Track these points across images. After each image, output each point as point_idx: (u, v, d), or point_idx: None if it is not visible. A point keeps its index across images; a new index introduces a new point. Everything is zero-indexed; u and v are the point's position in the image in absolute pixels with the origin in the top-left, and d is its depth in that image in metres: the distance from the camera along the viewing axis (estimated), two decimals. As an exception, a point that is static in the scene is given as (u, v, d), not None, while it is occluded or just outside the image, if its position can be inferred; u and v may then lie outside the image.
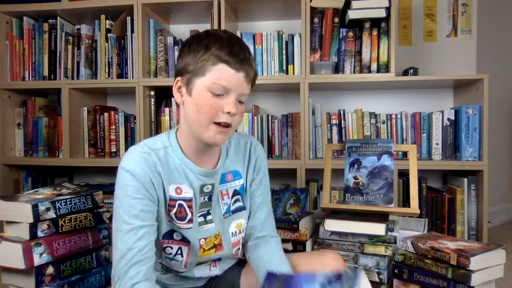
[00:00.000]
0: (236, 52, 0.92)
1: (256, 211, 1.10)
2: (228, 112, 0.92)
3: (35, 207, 1.08)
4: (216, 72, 0.91)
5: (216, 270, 1.08)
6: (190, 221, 0.99)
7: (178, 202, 0.98)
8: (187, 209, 0.99)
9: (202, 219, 1.02)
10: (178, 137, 1.01)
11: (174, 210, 0.98)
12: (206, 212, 1.02)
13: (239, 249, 1.09)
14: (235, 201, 1.07)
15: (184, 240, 1.00)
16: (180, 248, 1.00)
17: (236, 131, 1.03)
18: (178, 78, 0.96)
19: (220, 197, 1.05)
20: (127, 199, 0.90)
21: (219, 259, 1.08)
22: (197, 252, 1.01)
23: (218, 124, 0.92)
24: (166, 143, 0.99)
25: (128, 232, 0.88)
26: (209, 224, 1.02)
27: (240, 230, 1.08)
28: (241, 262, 1.15)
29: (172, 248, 1.00)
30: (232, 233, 1.07)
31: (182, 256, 1.01)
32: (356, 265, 1.36)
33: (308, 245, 1.46)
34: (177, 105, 1.03)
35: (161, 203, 0.96)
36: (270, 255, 1.04)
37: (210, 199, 1.03)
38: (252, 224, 1.10)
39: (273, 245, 1.08)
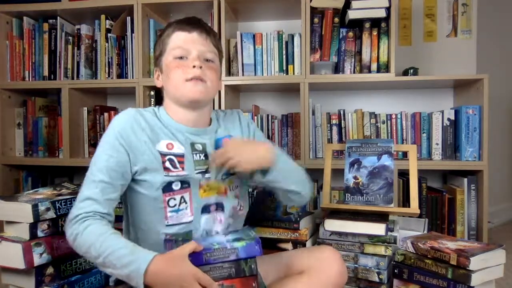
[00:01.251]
0: (187, 20, 1.07)
1: None
2: (194, 66, 1.01)
3: (35, 207, 1.08)
4: (173, 41, 1.05)
5: (220, 226, 1.07)
6: (183, 169, 1.02)
7: (167, 157, 1.01)
8: (177, 164, 1.02)
9: (200, 176, 1.04)
10: (165, 107, 1.10)
11: (167, 160, 1.01)
12: (205, 170, 1.05)
13: (239, 204, 1.11)
14: None
15: (184, 187, 1.02)
16: (182, 197, 1.02)
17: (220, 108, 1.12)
18: (155, 68, 1.11)
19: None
20: (99, 151, 0.99)
21: (222, 210, 1.07)
22: (198, 193, 1.03)
23: (190, 80, 1.01)
24: (155, 109, 1.09)
25: (92, 182, 0.96)
26: (206, 180, 1.06)
27: (241, 183, 1.13)
28: None
29: (175, 199, 1.01)
30: (235, 186, 1.11)
31: (186, 202, 1.02)
32: (356, 265, 1.36)
33: (308, 245, 1.46)
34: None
35: (152, 158, 0.99)
36: None
37: (206, 158, 1.06)
38: None
39: None
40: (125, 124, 1.00)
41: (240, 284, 0.89)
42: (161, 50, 1.07)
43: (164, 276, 0.85)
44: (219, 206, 1.07)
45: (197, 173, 1.04)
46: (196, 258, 0.87)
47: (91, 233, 0.91)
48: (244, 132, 1.19)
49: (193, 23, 1.06)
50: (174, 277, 0.85)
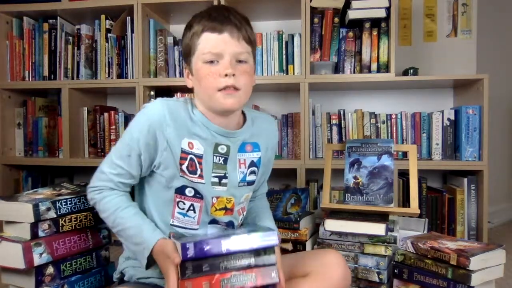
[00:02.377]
0: (214, 16, 0.96)
1: (260, 188, 1.20)
2: (226, 75, 0.94)
3: (35, 207, 1.08)
4: (202, 43, 0.96)
5: None
6: (201, 176, 1.00)
7: (189, 156, 0.99)
8: (197, 165, 1.00)
9: (216, 180, 1.02)
10: (196, 103, 1.04)
11: (186, 163, 0.99)
12: (222, 175, 1.03)
13: (241, 219, 1.11)
14: (251, 172, 1.08)
15: (197, 197, 1.01)
16: (192, 205, 1.01)
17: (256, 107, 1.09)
18: (185, 64, 1.04)
19: (237, 165, 1.05)
20: (124, 140, 1.00)
21: (232, 227, 1.07)
22: (209, 209, 1.02)
23: (223, 89, 0.95)
24: (187, 101, 1.05)
25: (112, 162, 0.99)
26: (222, 186, 1.03)
27: (246, 201, 1.12)
28: None
29: (184, 203, 1.01)
30: (240, 202, 1.09)
31: (194, 212, 1.01)
32: (356, 265, 1.36)
33: (308, 245, 1.46)
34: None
35: (172, 155, 0.98)
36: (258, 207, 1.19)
37: (225, 162, 1.03)
38: (254, 195, 1.19)
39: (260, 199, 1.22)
40: (153, 120, 0.96)
41: (259, 273, 0.89)
42: (190, 49, 0.98)
43: (160, 259, 0.91)
44: (229, 225, 1.07)
45: (214, 176, 1.01)
46: (215, 246, 0.86)
47: (106, 205, 0.98)
48: (269, 144, 1.13)
49: (222, 21, 0.95)
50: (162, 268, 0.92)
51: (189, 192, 1.00)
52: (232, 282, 0.86)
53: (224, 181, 1.03)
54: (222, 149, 1.02)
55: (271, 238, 0.91)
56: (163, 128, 0.96)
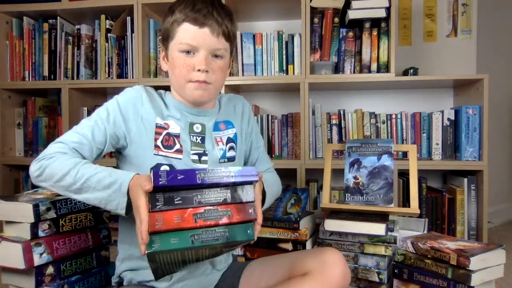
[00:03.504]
0: (198, 8, 0.96)
1: (261, 164, 1.19)
2: (199, 70, 0.96)
3: (36, 207, 1.08)
4: (182, 32, 0.97)
5: None
6: (179, 151, 0.99)
7: (165, 131, 0.99)
8: (175, 139, 1.00)
9: (196, 157, 1.02)
10: (171, 92, 1.08)
11: (160, 138, 0.98)
12: (202, 152, 1.03)
13: None
14: (230, 148, 1.09)
15: None
16: None
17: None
18: (162, 46, 1.05)
19: (215, 143, 1.06)
20: (94, 114, 0.98)
21: None
22: None
23: (195, 81, 0.97)
24: (162, 92, 1.07)
25: (74, 132, 0.96)
26: (202, 164, 1.02)
27: None
28: (241, 266, 1.14)
29: None
30: None
31: None
32: (356, 265, 1.36)
33: (308, 245, 1.46)
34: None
35: (146, 130, 0.97)
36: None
37: (203, 141, 1.04)
38: None
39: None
40: (128, 98, 0.99)
41: (236, 210, 0.83)
42: (169, 35, 1.00)
43: (133, 193, 0.82)
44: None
45: (193, 153, 1.01)
46: (189, 177, 0.80)
47: (65, 162, 0.88)
48: (243, 123, 1.15)
49: (205, 15, 0.95)
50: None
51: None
52: (205, 217, 0.80)
53: (204, 158, 1.03)
54: (197, 128, 1.04)
55: (251, 173, 0.85)
56: (138, 106, 0.98)
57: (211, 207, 0.81)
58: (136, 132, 0.97)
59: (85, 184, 0.86)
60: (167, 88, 1.10)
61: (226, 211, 0.82)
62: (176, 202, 0.79)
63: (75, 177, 0.87)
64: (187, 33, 0.96)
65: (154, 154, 0.97)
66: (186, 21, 0.96)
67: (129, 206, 0.84)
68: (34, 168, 0.92)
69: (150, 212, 0.77)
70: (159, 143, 0.98)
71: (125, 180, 0.84)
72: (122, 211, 0.86)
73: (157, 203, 0.78)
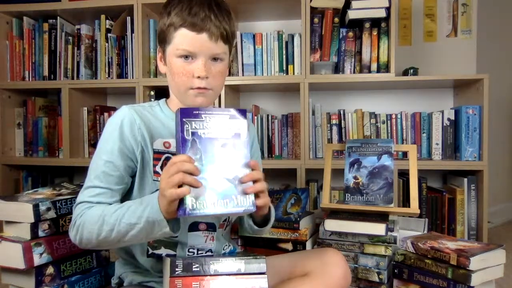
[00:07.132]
0: (195, 12, 0.91)
1: None
2: (199, 76, 0.93)
3: (36, 207, 1.08)
4: (179, 38, 0.92)
5: (212, 244, 1.03)
6: None
7: (165, 155, 0.96)
8: None
9: None
10: (168, 102, 1.05)
11: (160, 163, 0.96)
12: None
13: (225, 220, 1.06)
14: None
15: None
16: None
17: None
18: (159, 47, 1.01)
19: None
20: (97, 158, 0.93)
21: (213, 230, 1.03)
22: None
23: (195, 88, 0.94)
24: (154, 104, 1.04)
25: (88, 187, 0.92)
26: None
27: None
28: None
29: None
30: None
31: None
32: (356, 265, 1.36)
33: (308, 245, 1.46)
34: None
35: (145, 160, 0.95)
36: None
37: None
38: None
39: None
40: (121, 126, 0.93)
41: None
42: (166, 38, 0.95)
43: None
44: (210, 227, 1.02)
45: None
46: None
47: (92, 216, 0.87)
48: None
49: (203, 20, 0.91)
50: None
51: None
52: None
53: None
54: None
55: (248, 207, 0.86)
56: (135, 131, 0.94)
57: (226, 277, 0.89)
58: (140, 158, 0.95)
59: (122, 224, 0.85)
60: (167, 88, 1.09)
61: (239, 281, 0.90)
62: (194, 270, 0.87)
63: (111, 221, 0.85)
64: (185, 39, 0.92)
65: (154, 180, 0.95)
66: (183, 26, 0.91)
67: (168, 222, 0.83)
68: (72, 235, 0.91)
69: (170, 277, 0.85)
70: (158, 169, 0.95)
71: (154, 203, 0.82)
72: (166, 229, 0.83)
73: (176, 269, 0.86)
